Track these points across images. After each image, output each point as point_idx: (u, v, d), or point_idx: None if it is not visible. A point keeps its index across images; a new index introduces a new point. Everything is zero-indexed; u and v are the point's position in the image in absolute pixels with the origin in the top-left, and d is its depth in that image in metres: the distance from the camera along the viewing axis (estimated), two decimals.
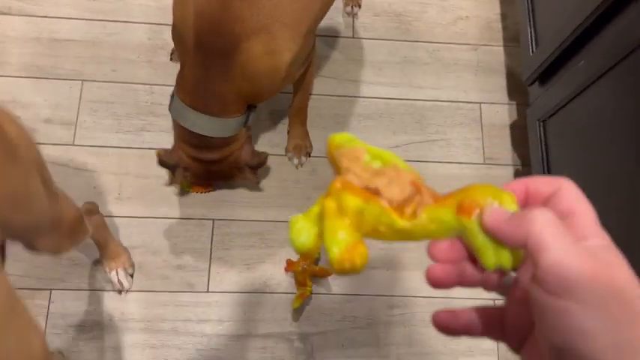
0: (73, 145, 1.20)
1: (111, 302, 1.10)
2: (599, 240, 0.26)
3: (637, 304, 0.24)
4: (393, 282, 1.18)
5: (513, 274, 0.30)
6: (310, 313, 1.14)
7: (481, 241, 0.28)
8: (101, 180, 1.18)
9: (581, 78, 0.97)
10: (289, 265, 1.15)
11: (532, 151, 1.17)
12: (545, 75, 1.13)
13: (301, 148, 1.22)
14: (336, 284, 1.16)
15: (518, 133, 1.31)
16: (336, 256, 0.29)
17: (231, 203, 1.19)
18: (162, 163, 1.00)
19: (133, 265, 1.12)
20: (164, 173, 1.18)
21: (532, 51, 1.17)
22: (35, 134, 1.19)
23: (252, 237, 1.18)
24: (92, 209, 1.00)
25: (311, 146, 1.24)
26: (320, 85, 1.30)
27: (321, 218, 0.31)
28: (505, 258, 0.28)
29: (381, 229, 0.30)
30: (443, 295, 1.13)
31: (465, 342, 1.15)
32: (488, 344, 1.15)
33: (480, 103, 1.34)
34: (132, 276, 1.11)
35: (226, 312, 1.12)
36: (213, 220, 1.18)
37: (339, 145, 0.34)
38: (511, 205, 0.28)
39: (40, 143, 1.19)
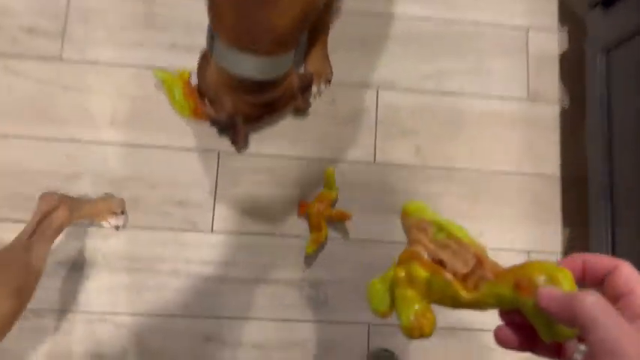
0: (61, 59, 1.05)
1: (105, 240, 1.00)
2: None
3: None
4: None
5: (583, 348, 0.32)
6: (324, 260, 1.04)
7: (536, 317, 0.30)
8: (92, 101, 1.04)
9: None
10: (303, 207, 1.03)
11: (589, 88, 1.01)
12: None
13: (320, 74, 1.07)
14: (353, 229, 1.05)
15: (569, 66, 1.14)
16: (407, 324, 0.33)
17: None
18: (216, 123, 0.83)
19: (122, 204, 1.00)
20: (164, 97, 1.04)
21: None
22: (16, 45, 1.04)
23: (262, 173, 1.05)
24: (51, 210, 0.79)
25: (331, 72, 1.08)
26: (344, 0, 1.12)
27: (393, 283, 0.35)
28: (559, 332, 0.30)
29: (446, 299, 0.33)
30: None
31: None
32: None
33: (527, 28, 1.16)
34: (123, 213, 0.99)
35: (232, 254, 1.02)
36: (219, 151, 1.04)
37: (410, 215, 0.38)
38: (565, 284, 0.30)
39: (22, 57, 1.06)
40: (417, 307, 0.33)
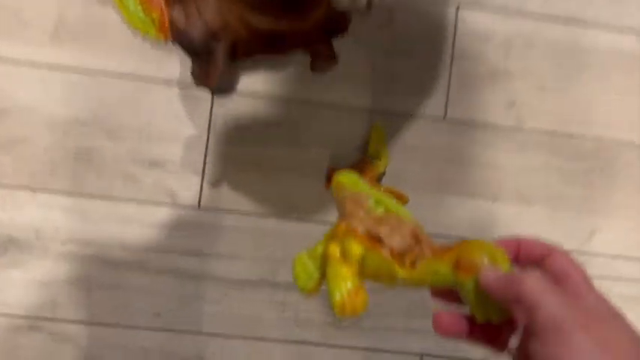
0: None
1: (43, 211, 0.67)
2: (593, 296, 0.29)
3: (631, 354, 0.26)
4: (501, 219, 0.72)
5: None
6: None
7: (474, 296, 0.30)
8: (30, 9, 0.68)
9: None
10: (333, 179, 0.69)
11: None
12: None
13: None
14: None
15: None
16: (339, 302, 0.32)
17: (241, 67, 0.70)
18: (183, 40, 0.54)
19: None
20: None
21: None
22: None
23: (275, 124, 0.70)
24: None
25: None
26: None
27: (324, 258, 0.34)
28: (494, 312, 0.30)
29: (382, 276, 0.33)
30: None
31: None
32: None
33: None
34: None
35: (226, 244, 0.69)
36: (213, 89, 0.70)
37: (344, 187, 0.37)
38: (505, 264, 0.30)
39: None
40: (349, 284, 0.32)
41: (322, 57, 0.67)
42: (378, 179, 0.69)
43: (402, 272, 0.32)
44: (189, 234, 0.69)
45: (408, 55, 0.72)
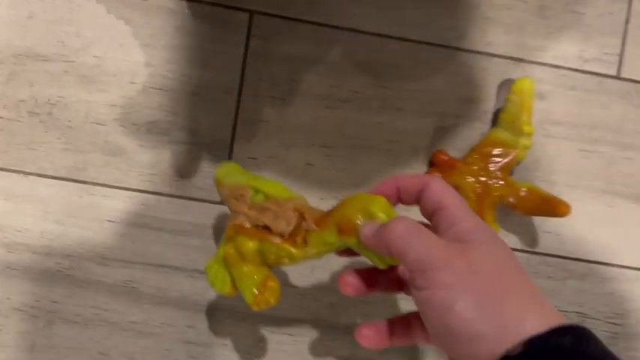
0: None
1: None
2: (466, 223, 0.27)
3: (494, 276, 0.26)
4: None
5: None
6: None
7: (365, 252, 0.30)
8: None
9: None
10: (441, 167, 0.42)
11: None
12: None
13: None
14: (550, 232, 0.45)
15: None
16: (251, 300, 0.33)
17: None
18: None
19: None
20: None
21: None
22: None
23: (354, 75, 0.44)
24: None
25: None
26: None
27: (226, 261, 0.34)
28: (389, 260, 0.30)
29: (281, 260, 0.33)
30: None
31: None
32: None
33: None
34: None
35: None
36: (252, 12, 0.43)
37: (224, 179, 0.35)
38: (381, 213, 0.30)
39: None
40: (255, 280, 0.33)
41: None
42: (509, 170, 0.43)
43: (297, 252, 0.33)
44: (204, 243, 0.43)
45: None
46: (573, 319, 0.45)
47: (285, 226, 0.33)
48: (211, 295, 0.43)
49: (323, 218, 0.32)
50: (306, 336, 0.44)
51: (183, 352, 0.43)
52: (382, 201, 0.31)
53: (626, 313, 0.46)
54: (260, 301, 0.33)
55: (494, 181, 0.42)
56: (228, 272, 0.34)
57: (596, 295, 0.45)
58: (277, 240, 0.33)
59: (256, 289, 0.33)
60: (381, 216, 0.30)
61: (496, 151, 0.42)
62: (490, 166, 0.42)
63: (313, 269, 0.44)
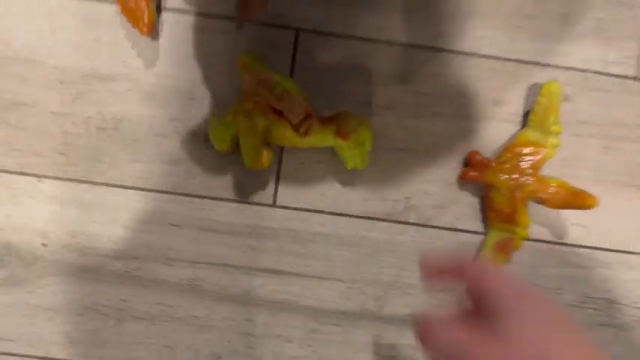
0: None
1: (33, 202, 0.47)
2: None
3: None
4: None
5: None
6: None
7: (345, 152, 0.43)
8: None
9: None
10: (476, 167, 0.46)
11: None
12: None
13: None
14: (578, 224, 0.48)
15: None
16: (249, 162, 0.42)
17: None
18: None
19: None
20: None
21: None
22: None
23: (387, 82, 0.48)
24: None
25: None
26: None
27: (235, 127, 0.42)
28: (359, 161, 0.43)
29: (283, 141, 0.43)
30: None
31: None
32: None
33: None
34: None
35: (310, 257, 0.47)
36: (298, 30, 0.47)
37: (251, 64, 0.42)
38: (368, 131, 0.43)
39: None
40: (256, 149, 0.42)
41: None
42: (541, 167, 0.46)
43: (298, 139, 0.42)
44: (259, 244, 0.47)
45: None
46: (602, 305, 0.49)
47: (294, 116, 0.41)
48: (267, 290, 0.47)
49: (324, 120, 0.43)
50: (353, 326, 0.48)
51: (242, 344, 0.47)
52: (368, 121, 0.43)
53: None
54: (257, 162, 0.42)
55: (526, 178, 0.45)
56: (230, 134, 0.42)
57: (622, 282, 0.49)
58: (286, 124, 0.42)
59: (256, 155, 0.42)
60: (366, 137, 0.43)
61: (526, 150, 0.45)
62: (521, 164, 0.45)
63: (359, 265, 0.47)
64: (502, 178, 0.45)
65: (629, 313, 0.49)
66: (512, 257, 0.47)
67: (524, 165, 0.45)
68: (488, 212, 0.47)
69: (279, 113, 0.41)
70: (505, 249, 0.46)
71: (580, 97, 0.48)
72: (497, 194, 0.45)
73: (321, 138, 0.42)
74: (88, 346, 0.47)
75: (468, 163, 0.47)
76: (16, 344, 0.47)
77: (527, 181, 0.45)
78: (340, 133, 0.42)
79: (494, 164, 0.46)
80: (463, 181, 0.47)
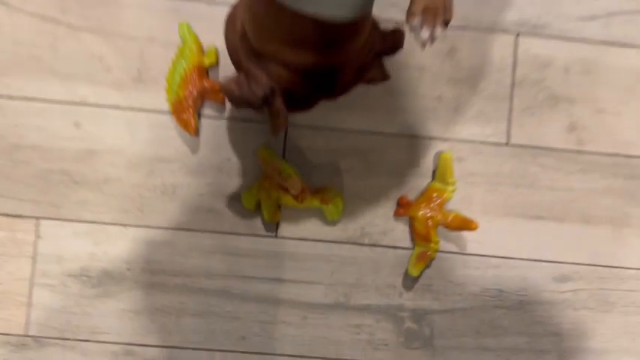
0: None
1: (129, 243, 0.72)
2: None
3: None
4: (567, 241, 0.75)
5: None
6: (432, 281, 0.74)
7: (326, 211, 0.72)
8: (113, 54, 0.73)
9: None
10: (404, 207, 0.72)
11: None
12: None
13: (435, 10, 0.72)
14: (474, 241, 0.74)
15: None
16: (267, 218, 0.71)
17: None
18: (239, 100, 0.58)
19: None
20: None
21: None
22: None
23: (344, 155, 0.74)
24: None
25: (451, 9, 0.73)
26: None
27: (258, 194, 0.71)
28: (335, 216, 0.73)
29: (287, 205, 0.71)
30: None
31: None
32: None
33: None
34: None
35: (302, 269, 0.73)
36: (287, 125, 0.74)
37: (269, 158, 0.70)
38: (339, 204, 0.73)
39: None
40: (271, 210, 0.71)
41: (376, 81, 0.68)
42: (444, 204, 0.72)
43: (297, 204, 0.70)
44: (266, 261, 0.73)
45: (470, 83, 0.75)
46: (494, 294, 0.74)
47: (294, 191, 0.68)
48: (275, 292, 0.72)
49: (313, 193, 0.70)
50: (331, 314, 0.73)
51: (259, 328, 0.72)
52: (341, 198, 0.72)
53: (529, 288, 0.74)
54: (273, 218, 0.70)
55: (435, 212, 0.71)
56: (255, 199, 0.70)
57: (508, 278, 0.74)
58: (288, 195, 0.69)
59: (269, 214, 0.70)
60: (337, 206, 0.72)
61: (435, 195, 0.71)
62: (432, 204, 0.71)
63: (333, 273, 0.73)
64: (420, 213, 0.71)
65: (513, 299, 0.74)
66: (430, 264, 0.73)
67: (433, 204, 0.71)
68: (413, 234, 0.73)
69: (285, 189, 0.68)
70: (425, 258, 0.72)
71: (469, 159, 0.74)
72: (417, 223, 0.71)
73: (312, 203, 0.70)
74: (159, 335, 0.72)
75: (399, 204, 0.73)
76: (110, 336, 0.72)
77: (436, 214, 0.71)
78: (323, 200, 0.70)
79: (415, 204, 0.72)
80: (397, 215, 0.73)
